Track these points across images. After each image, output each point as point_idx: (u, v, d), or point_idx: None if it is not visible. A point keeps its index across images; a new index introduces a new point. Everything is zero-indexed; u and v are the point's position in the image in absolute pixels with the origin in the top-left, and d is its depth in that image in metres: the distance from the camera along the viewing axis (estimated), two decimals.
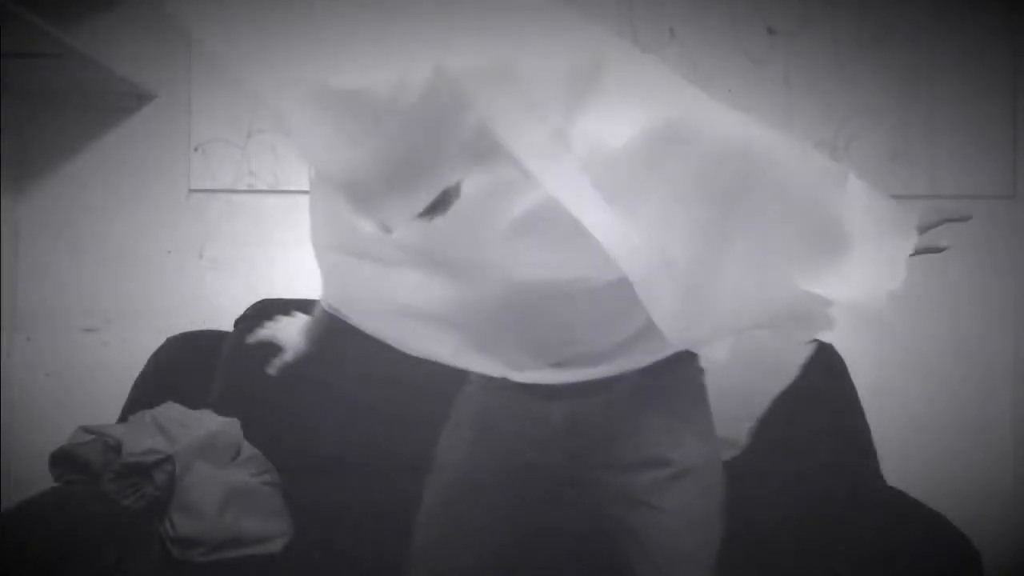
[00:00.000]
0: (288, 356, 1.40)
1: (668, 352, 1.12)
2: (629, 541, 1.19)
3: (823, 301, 1.07)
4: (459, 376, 1.25)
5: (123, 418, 1.82)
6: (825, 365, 1.91)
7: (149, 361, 1.99)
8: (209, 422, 1.76)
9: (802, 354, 1.24)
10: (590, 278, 1.01)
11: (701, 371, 1.24)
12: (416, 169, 0.83)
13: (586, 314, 1.08)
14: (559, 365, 1.13)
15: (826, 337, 1.21)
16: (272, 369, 1.40)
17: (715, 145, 1.01)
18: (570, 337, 1.11)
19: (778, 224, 1.06)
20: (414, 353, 1.16)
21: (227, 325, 2.06)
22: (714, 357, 1.16)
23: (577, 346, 1.12)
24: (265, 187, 2.20)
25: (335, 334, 1.33)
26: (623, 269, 0.93)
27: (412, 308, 1.14)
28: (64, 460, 1.65)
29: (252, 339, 1.45)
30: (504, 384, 1.16)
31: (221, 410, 1.84)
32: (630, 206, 0.93)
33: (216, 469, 1.70)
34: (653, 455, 1.17)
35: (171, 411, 1.75)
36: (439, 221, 0.91)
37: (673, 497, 1.17)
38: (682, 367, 1.19)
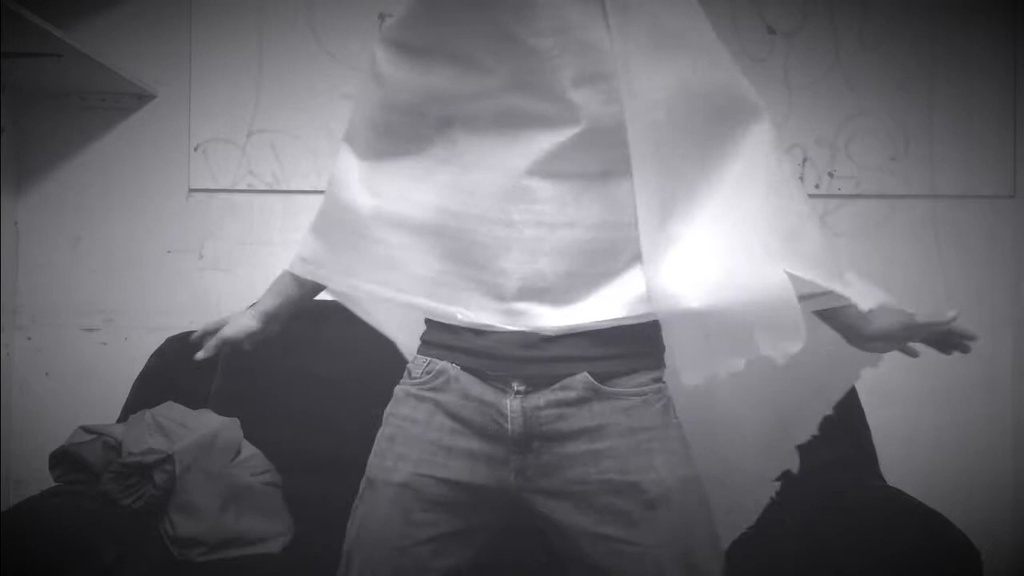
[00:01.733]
0: (247, 345, 1.28)
1: (641, 316, 1.04)
2: None
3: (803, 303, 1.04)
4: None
5: (123, 418, 1.82)
6: None
7: (149, 361, 1.99)
8: (209, 422, 1.76)
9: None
10: (605, 162, 1.02)
11: (664, 384, 1.10)
12: None
13: (578, 219, 1.03)
14: (520, 300, 1.04)
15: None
16: (203, 352, 1.27)
17: (732, 103, 1.08)
18: (547, 251, 1.03)
19: (767, 215, 1.07)
20: (386, 291, 1.11)
21: None
22: (687, 377, 1.07)
23: (549, 264, 1.03)
24: (265, 187, 2.20)
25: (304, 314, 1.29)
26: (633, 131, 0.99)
27: (401, 214, 1.09)
28: (64, 460, 1.65)
29: (195, 337, 1.32)
30: (447, 383, 1.08)
31: (221, 410, 1.84)
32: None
33: (216, 469, 1.70)
34: (619, 481, 1.04)
35: (171, 411, 1.75)
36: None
37: (649, 530, 1.03)
38: (643, 376, 1.08)
